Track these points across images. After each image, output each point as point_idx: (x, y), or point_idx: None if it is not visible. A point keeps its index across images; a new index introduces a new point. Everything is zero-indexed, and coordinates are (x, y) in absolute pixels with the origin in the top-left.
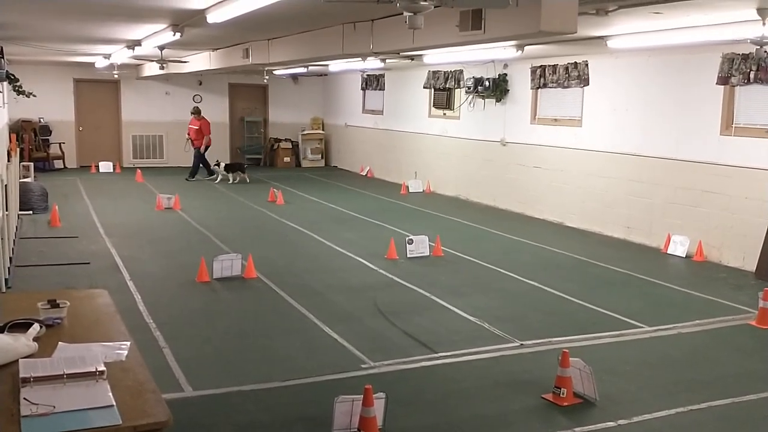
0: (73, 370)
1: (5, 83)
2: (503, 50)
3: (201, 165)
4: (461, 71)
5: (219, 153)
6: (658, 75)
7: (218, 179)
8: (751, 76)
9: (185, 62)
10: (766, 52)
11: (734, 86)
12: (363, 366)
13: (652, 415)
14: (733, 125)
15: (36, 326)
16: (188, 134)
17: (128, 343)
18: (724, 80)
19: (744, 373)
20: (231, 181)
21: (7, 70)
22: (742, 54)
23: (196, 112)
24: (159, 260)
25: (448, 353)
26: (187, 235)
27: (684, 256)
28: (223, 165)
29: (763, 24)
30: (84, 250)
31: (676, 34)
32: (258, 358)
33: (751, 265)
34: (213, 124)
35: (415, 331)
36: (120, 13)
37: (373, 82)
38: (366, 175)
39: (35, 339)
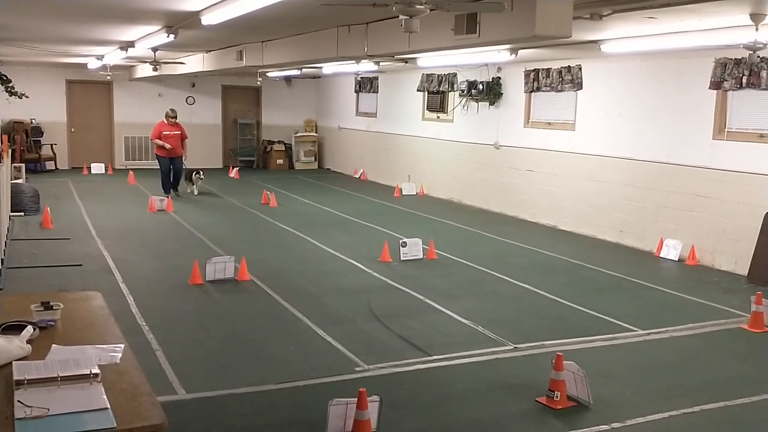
0: (67, 372)
1: None
2: (497, 53)
3: (172, 177)
4: (455, 74)
5: (211, 155)
6: (652, 79)
7: (196, 191)
8: (744, 80)
9: (182, 63)
10: (758, 57)
11: (727, 91)
12: (357, 369)
13: (646, 419)
14: (726, 130)
15: (29, 328)
16: (164, 143)
17: (122, 346)
18: (716, 85)
19: (736, 377)
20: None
21: None
22: (735, 59)
23: (174, 116)
24: (152, 262)
25: (442, 356)
26: (180, 238)
27: (677, 259)
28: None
29: (756, 29)
30: (76, 252)
31: (669, 39)
32: (252, 360)
33: (744, 269)
34: (206, 126)
35: (409, 334)
36: (114, 14)
37: (366, 84)
38: (359, 177)
39: (29, 341)
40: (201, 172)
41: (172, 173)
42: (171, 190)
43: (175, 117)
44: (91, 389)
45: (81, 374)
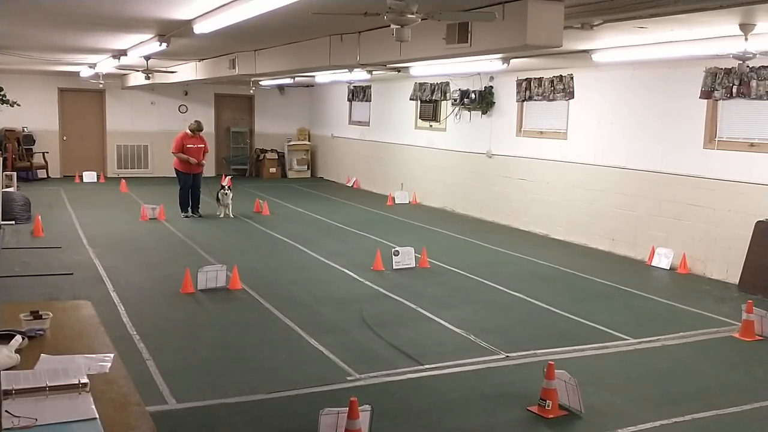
0: (55, 382)
1: None
2: (489, 63)
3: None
4: (447, 83)
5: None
6: (643, 89)
7: (221, 213)
8: (734, 90)
9: (173, 72)
10: (748, 66)
11: (717, 100)
12: (348, 378)
13: (637, 428)
14: (716, 139)
15: (18, 338)
16: (188, 157)
17: (112, 355)
18: (707, 94)
19: (728, 386)
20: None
21: None
22: (725, 68)
23: (200, 128)
24: (143, 271)
25: (434, 365)
26: (172, 246)
27: (668, 268)
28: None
29: (746, 39)
30: (67, 261)
31: (660, 49)
32: (243, 370)
33: (735, 278)
34: None
35: (401, 343)
36: (106, 23)
37: (359, 93)
38: (352, 186)
39: (17, 351)
40: (226, 188)
41: (191, 191)
42: (190, 209)
43: (201, 129)
44: (79, 399)
45: (70, 384)
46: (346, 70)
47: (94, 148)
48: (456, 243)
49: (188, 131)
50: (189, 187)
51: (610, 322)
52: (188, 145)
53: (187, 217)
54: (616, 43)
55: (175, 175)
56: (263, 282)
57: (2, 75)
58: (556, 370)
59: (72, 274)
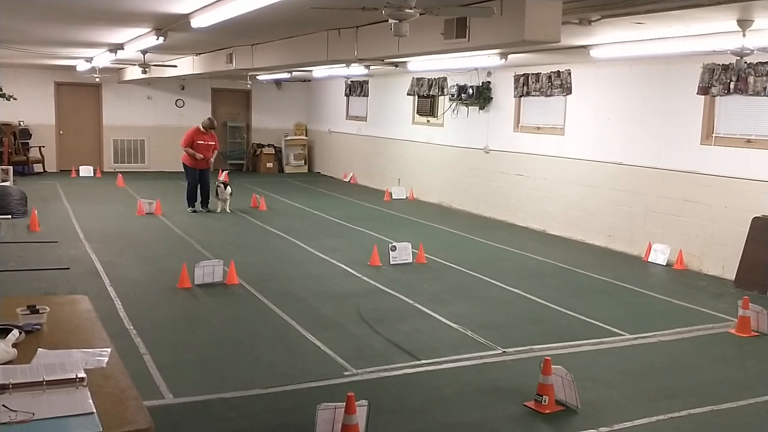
0: (52, 376)
1: None
2: (487, 58)
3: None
4: (445, 78)
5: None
6: (640, 84)
7: (219, 207)
8: (731, 86)
9: (174, 66)
10: (746, 62)
11: (714, 96)
12: (345, 373)
13: (633, 423)
14: (714, 135)
15: (15, 332)
16: (195, 152)
17: (109, 350)
18: (704, 90)
19: (723, 381)
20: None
21: None
22: (723, 64)
23: (213, 126)
24: (140, 266)
25: (431, 360)
26: (169, 241)
27: (665, 264)
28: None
29: (743, 35)
30: (64, 256)
31: (657, 45)
32: (240, 365)
33: (731, 274)
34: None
35: (398, 339)
36: (103, 17)
37: (357, 88)
38: (349, 181)
39: (14, 345)
40: (223, 185)
41: (200, 186)
42: (198, 204)
43: (213, 127)
44: (76, 393)
45: (67, 378)
46: (344, 65)
47: (91, 142)
48: (453, 238)
49: (201, 127)
50: (197, 182)
51: (607, 318)
52: (198, 141)
53: (194, 212)
54: (614, 39)
55: (183, 170)
56: (260, 277)
57: None
58: (552, 366)
59: (68, 268)
